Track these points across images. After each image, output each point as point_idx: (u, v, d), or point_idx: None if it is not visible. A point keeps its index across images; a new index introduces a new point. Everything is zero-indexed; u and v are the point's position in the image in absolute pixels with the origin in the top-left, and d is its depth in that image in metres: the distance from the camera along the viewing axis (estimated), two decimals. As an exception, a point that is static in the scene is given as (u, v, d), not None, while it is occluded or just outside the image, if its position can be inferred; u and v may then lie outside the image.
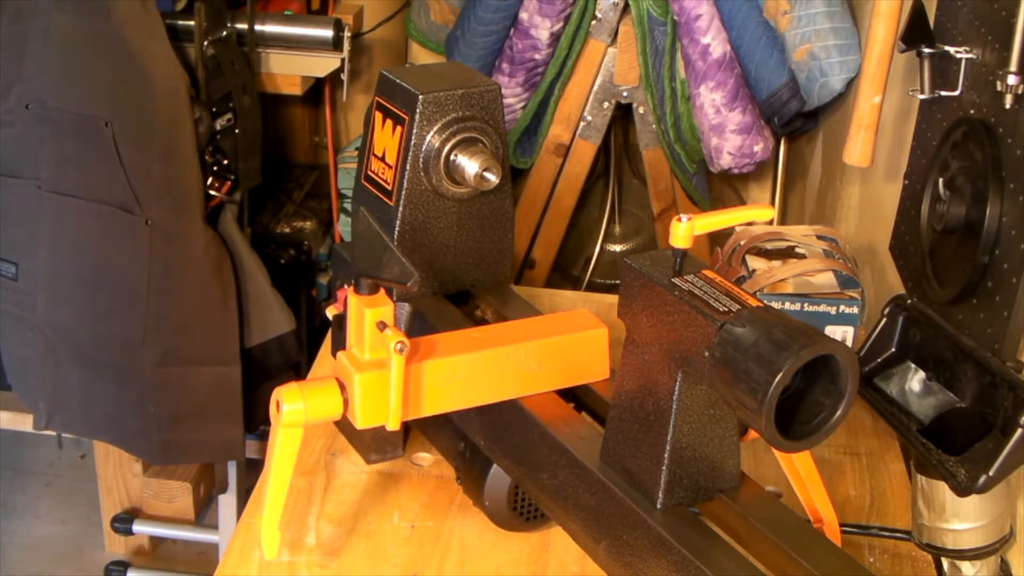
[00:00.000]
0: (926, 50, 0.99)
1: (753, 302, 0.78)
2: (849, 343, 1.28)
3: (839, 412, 0.76)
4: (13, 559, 2.35)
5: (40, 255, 1.77)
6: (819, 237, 1.41)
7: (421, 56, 2.27)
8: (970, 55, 0.95)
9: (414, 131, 1.04)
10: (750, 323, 0.75)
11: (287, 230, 2.19)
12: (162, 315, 1.74)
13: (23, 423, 2.20)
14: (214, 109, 1.80)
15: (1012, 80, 0.88)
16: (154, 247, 1.70)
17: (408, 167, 1.04)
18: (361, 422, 0.90)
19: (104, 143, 1.65)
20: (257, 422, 1.93)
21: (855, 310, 1.29)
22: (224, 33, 1.82)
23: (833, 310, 1.29)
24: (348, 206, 2.30)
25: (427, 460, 1.15)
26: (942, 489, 0.95)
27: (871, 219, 1.74)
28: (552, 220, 2.20)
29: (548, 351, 0.98)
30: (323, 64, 1.98)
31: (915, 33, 1.00)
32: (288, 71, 1.97)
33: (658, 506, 0.84)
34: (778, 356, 0.72)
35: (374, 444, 1.14)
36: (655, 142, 2.11)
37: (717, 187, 2.30)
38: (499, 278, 1.14)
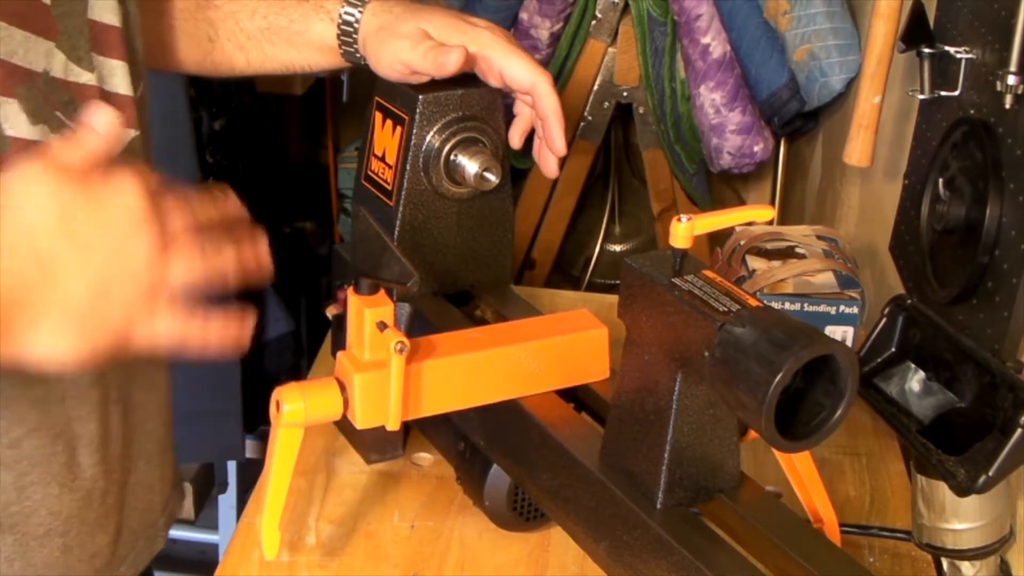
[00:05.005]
0: (926, 50, 0.99)
1: (753, 302, 0.78)
2: (849, 343, 1.28)
3: (839, 412, 0.76)
4: (13, 559, 2.34)
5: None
6: (819, 237, 1.41)
7: (421, 56, 2.26)
8: (970, 55, 0.95)
9: (414, 131, 1.04)
10: (750, 323, 0.75)
11: (287, 230, 2.19)
12: (162, 315, 1.74)
13: (23, 423, 2.20)
14: (214, 109, 1.80)
15: (1012, 80, 0.88)
16: (154, 247, 1.70)
17: (408, 167, 1.04)
18: (361, 422, 0.90)
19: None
20: (257, 422, 1.93)
21: (855, 310, 1.29)
22: (224, 33, 1.82)
23: (833, 310, 1.29)
24: (348, 206, 2.30)
25: (427, 460, 1.15)
26: (942, 489, 0.95)
27: (871, 219, 1.74)
28: (552, 220, 2.20)
29: (548, 351, 0.98)
30: (323, 64, 1.98)
31: (915, 33, 1.00)
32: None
33: (658, 506, 0.84)
34: (778, 356, 0.72)
35: (374, 444, 1.14)
36: (655, 142, 2.11)
37: (717, 187, 2.30)
38: (499, 278, 1.13)
